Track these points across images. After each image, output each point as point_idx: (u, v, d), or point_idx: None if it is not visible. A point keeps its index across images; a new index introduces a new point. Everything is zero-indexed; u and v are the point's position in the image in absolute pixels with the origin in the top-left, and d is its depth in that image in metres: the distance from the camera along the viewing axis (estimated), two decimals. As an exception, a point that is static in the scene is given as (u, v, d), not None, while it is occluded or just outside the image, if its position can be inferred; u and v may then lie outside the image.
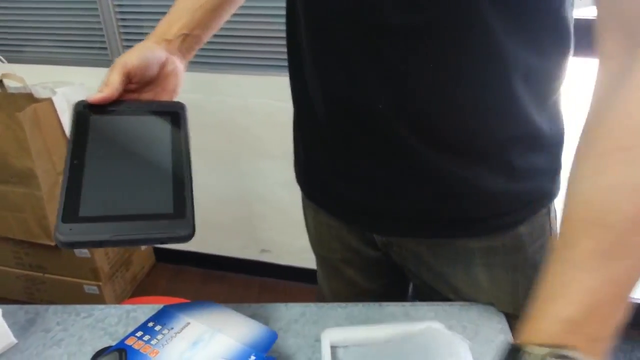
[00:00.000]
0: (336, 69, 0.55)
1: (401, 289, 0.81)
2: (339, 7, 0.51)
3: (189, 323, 0.55)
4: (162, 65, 0.60)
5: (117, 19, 1.67)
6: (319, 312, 0.65)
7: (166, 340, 0.52)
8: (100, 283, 1.79)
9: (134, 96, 0.59)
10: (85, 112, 0.54)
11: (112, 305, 0.68)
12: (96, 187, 0.48)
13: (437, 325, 0.59)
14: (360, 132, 0.57)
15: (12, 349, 0.62)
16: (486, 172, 0.57)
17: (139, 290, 1.96)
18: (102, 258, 1.77)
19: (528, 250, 0.62)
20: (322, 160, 0.65)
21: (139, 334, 0.53)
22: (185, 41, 0.63)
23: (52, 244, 1.73)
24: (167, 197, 0.48)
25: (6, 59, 1.74)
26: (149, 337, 0.53)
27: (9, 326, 0.62)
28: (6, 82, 1.68)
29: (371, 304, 0.66)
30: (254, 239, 1.95)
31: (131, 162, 0.51)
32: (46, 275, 1.85)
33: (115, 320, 0.65)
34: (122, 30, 1.69)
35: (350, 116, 0.57)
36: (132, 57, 0.56)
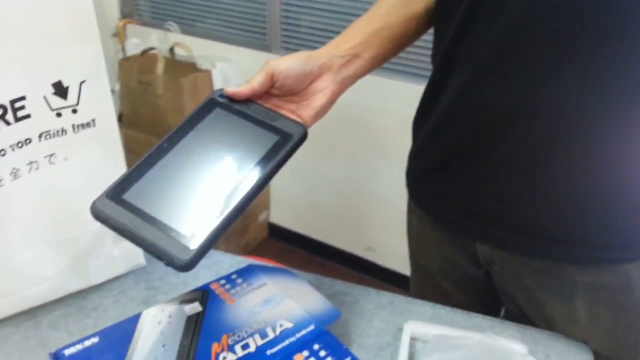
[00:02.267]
0: (517, 76, 0.55)
1: (493, 310, 0.81)
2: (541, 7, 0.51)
3: (265, 284, 0.61)
4: (313, 80, 0.56)
5: (281, 9, 1.80)
6: (407, 305, 0.69)
7: (243, 293, 0.60)
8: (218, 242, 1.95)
9: (274, 101, 0.57)
10: (215, 101, 0.55)
11: (227, 254, 0.77)
12: (155, 181, 0.48)
13: (521, 350, 0.59)
14: (501, 141, 0.58)
15: (139, 270, 0.73)
16: (617, 197, 0.56)
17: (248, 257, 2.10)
18: (222, 221, 1.93)
19: (636, 292, 0.61)
20: (442, 166, 0.67)
21: (222, 282, 0.61)
22: (351, 64, 0.59)
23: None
24: (196, 220, 0.46)
25: (181, 30, 1.96)
26: (230, 286, 0.61)
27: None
28: (177, 50, 1.89)
29: (459, 310, 0.68)
30: (362, 235, 2.00)
31: (202, 169, 0.50)
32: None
33: (227, 266, 0.73)
34: (283, 20, 1.82)
35: (498, 124, 0.58)
36: (282, 62, 0.54)
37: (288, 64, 0.54)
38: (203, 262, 0.74)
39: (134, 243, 0.45)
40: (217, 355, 0.52)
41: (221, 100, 0.55)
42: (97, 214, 0.46)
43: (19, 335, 0.62)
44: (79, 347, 0.53)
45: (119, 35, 2.18)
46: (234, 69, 1.89)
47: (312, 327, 0.56)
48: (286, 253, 2.18)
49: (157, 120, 1.77)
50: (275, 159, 0.50)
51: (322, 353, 0.53)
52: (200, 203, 0.47)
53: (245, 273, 0.63)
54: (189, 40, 1.94)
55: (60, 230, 0.63)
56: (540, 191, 0.59)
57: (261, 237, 2.21)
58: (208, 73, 1.81)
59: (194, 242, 0.44)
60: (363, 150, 1.85)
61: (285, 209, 2.16)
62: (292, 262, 2.15)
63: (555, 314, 0.66)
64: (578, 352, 0.63)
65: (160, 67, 1.73)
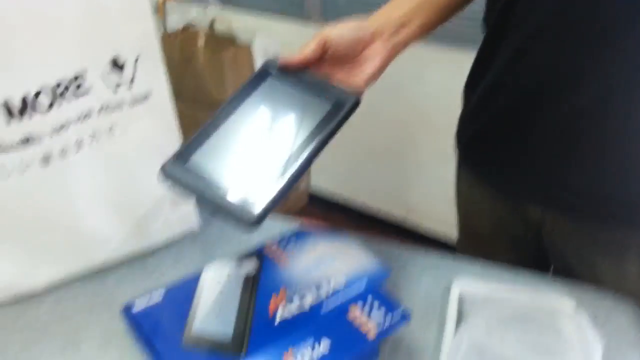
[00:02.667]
0: (576, 36, 0.54)
1: (542, 270, 0.82)
2: None
3: (317, 245, 0.64)
4: (365, 47, 0.57)
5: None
6: (454, 265, 0.70)
7: (295, 255, 0.63)
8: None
9: (327, 69, 0.57)
10: (268, 70, 0.56)
11: (277, 219, 0.79)
12: (217, 145, 0.51)
13: (570, 305, 0.60)
14: (557, 101, 0.59)
15: (194, 236, 0.76)
16: None
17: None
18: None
19: None
20: (495, 127, 0.68)
21: (275, 245, 0.65)
22: (401, 31, 0.59)
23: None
24: (258, 184, 0.48)
25: (220, 4, 1.98)
26: (283, 248, 0.64)
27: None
28: (216, 24, 1.91)
29: (507, 268, 0.69)
30: (401, 201, 2.02)
31: (261, 135, 0.52)
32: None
33: (277, 230, 0.76)
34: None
35: (554, 85, 0.58)
36: (334, 30, 0.55)
37: (340, 32, 0.55)
38: (272, 230, 0.78)
39: (201, 204, 0.49)
40: (276, 309, 0.55)
41: (274, 69, 0.56)
42: (167, 176, 0.50)
43: (88, 292, 0.67)
44: (147, 302, 0.57)
45: (159, 11, 2.21)
46: (274, 42, 1.90)
47: (364, 284, 0.58)
48: (326, 220, 2.20)
49: (199, 94, 1.81)
50: (329, 126, 0.52)
51: (375, 307, 0.55)
52: (260, 168, 0.50)
53: (297, 235, 0.66)
54: (228, 14, 1.96)
55: (121, 196, 0.67)
56: (595, 151, 0.59)
57: (300, 206, 2.24)
58: (248, 48, 1.83)
59: (258, 206, 0.47)
60: (403, 118, 1.85)
61: (326, 176, 2.18)
62: (337, 226, 2.16)
63: (605, 274, 0.67)
64: (625, 308, 0.63)
65: (201, 42, 1.76)
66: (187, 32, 1.86)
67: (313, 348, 0.51)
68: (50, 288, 0.67)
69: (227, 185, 0.48)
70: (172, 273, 0.70)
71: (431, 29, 0.63)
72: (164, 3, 2.24)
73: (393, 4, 0.62)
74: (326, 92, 0.55)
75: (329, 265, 0.61)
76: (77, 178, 0.62)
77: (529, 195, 0.68)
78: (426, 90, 1.73)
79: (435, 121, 1.76)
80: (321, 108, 0.53)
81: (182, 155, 0.51)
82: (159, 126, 0.66)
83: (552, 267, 0.81)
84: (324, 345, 0.51)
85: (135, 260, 0.72)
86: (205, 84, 1.79)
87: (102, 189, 0.65)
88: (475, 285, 0.64)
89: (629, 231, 0.62)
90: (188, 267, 0.71)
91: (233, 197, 0.47)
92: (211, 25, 1.89)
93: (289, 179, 0.49)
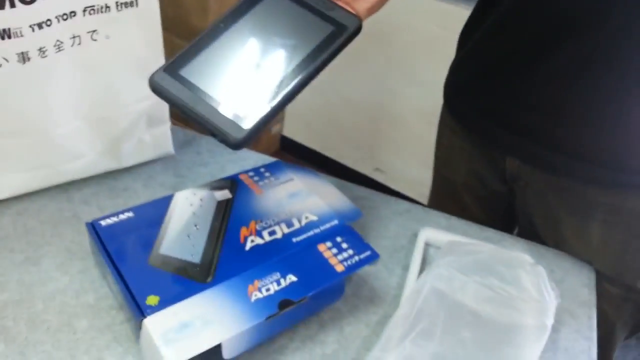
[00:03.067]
0: None
1: (506, 230, 0.84)
2: None
3: (292, 179, 0.64)
4: None
5: None
6: (423, 214, 0.71)
7: (270, 186, 0.62)
8: (229, 151, 1.98)
9: None
10: None
11: (252, 152, 0.78)
12: (211, 59, 0.49)
13: (529, 262, 0.62)
14: (554, 51, 0.58)
15: (167, 159, 0.75)
16: None
17: (258, 169, 2.13)
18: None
19: None
20: (486, 76, 0.67)
21: (251, 174, 0.64)
22: None
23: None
24: (250, 101, 0.46)
25: None
26: (258, 178, 0.63)
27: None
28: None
29: (473, 224, 0.71)
30: (374, 157, 2.02)
31: (257, 52, 0.50)
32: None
33: (252, 163, 0.75)
34: None
35: (555, 32, 0.57)
36: None
37: None
38: (228, 156, 0.77)
39: (188, 117, 0.46)
40: (246, 238, 0.55)
41: None
42: (155, 87, 0.47)
43: (52, 207, 0.65)
44: (114, 219, 0.56)
45: None
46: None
47: (335, 221, 0.59)
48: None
49: (179, 19, 1.74)
50: (328, 49, 0.50)
51: (345, 245, 0.56)
52: (254, 85, 0.48)
53: (273, 167, 0.65)
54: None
55: (98, 109, 0.64)
56: (581, 107, 0.60)
57: (273, 149, 2.23)
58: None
59: (248, 122, 0.45)
60: (385, 69, 1.83)
61: (300, 123, 2.17)
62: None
63: (567, 233, 0.69)
64: (582, 269, 0.66)
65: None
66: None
67: (279, 283, 0.51)
68: (14, 198, 0.65)
69: (217, 100, 0.46)
70: (141, 195, 0.69)
71: None
72: None
73: None
74: (329, 12, 0.52)
75: (302, 199, 0.61)
76: (55, 81, 0.59)
77: (507, 147, 0.69)
78: (414, 40, 1.70)
79: (419, 75, 1.74)
80: (323, 29, 0.51)
81: (173, 67, 0.48)
82: (143, 37, 0.64)
83: (516, 230, 0.84)
84: (290, 279, 0.52)
85: (105, 178, 0.70)
86: (185, 10, 1.72)
87: (78, 98, 0.62)
88: (441, 235, 0.65)
89: (598, 191, 0.64)
90: (158, 191, 0.70)
91: (222, 112, 0.46)
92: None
93: (281, 99, 0.47)
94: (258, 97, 0.47)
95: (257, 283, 0.51)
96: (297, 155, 2.22)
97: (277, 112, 0.47)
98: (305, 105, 2.07)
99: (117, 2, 0.59)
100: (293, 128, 2.19)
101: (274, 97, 0.47)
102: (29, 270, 0.57)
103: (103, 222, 0.56)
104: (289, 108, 2.12)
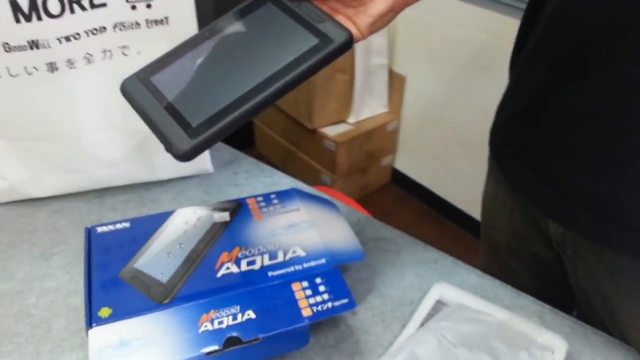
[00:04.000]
0: None
1: (565, 301, 0.71)
2: None
3: (298, 209, 0.60)
4: None
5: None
6: (451, 267, 0.63)
7: (273, 213, 0.59)
8: (335, 176, 1.98)
9: (333, 4, 0.51)
10: None
11: (289, 177, 0.76)
12: (183, 67, 0.47)
13: (561, 347, 0.51)
14: (591, 79, 0.48)
15: (204, 175, 0.76)
16: None
17: (364, 198, 2.10)
18: (344, 156, 1.94)
19: None
20: (522, 114, 0.58)
21: (260, 199, 0.61)
22: None
23: (311, 127, 1.95)
24: (206, 113, 0.44)
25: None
26: (264, 204, 0.60)
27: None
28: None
29: (509, 287, 0.61)
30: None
31: (231, 63, 0.47)
32: (299, 152, 2.12)
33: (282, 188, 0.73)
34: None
35: (591, 55, 0.48)
36: None
37: None
38: (263, 180, 0.76)
39: (145, 123, 0.45)
40: (222, 265, 0.53)
41: None
42: (123, 91, 0.47)
43: (84, 210, 0.69)
44: (110, 227, 0.57)
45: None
46: None
47: (323, 260, 0.54)
48: (404, 201, 2.13)
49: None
50: (305, 63, 0.46)
51: (322, 288, 0.51)
52: (216, 96, 0.45)
53: (284, 195, 0.62)
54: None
55: (128, 120, 0.66)
56: (627, 157, 0.48)
57: (382, 181, 2.18)
58: None
59: (196, 135, 0.43)
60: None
61: (411, 157, 2.09)
62: (408, 211, 2.11)
63: (623, 317, 0.56)
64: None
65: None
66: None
67: (235, 317, 0.48)
68: (56, 198, 0.70)
69: (175, 109, 0.44)
70: (167, 208, 0.69)
71: None
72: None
73: None
74: (319, 25, 0.48)
75: (299, 232, 0.57)
76: (84, 91, 0.62)
77: (546, 207, 0.58)
78: (463, 50, 1.57)
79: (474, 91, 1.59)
80: (306, 42, 0.47)
81: (145, 73, 0.47)
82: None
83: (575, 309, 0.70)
84: (248, 315, 0.48)
85: (139, 188, 0.73)
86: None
87: (109, 109, 0.65)
88: (456, 294, 0.56)
89: None
90: (183, 205, 0.70)
91: (175, 122, 0.43)
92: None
93: (238, 114, 0.43)
94: (216, 109, 0.44)
95: (212, 313, 0.48)
96: (406, 189, 2.15)
97: (232, 127, 0.44)
98: (419, 138, 2.00)
99: (147, 20, 0.61)
100: (405, 161, 2.12)
101: (231, 111, 0.43)
102: (39, 264, 0.61)
103: (99, 229, 0.57)
104: (402, 140, 2.07)
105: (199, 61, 0.48)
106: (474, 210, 1.90)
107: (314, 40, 0.47)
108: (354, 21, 0.50)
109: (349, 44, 0.48)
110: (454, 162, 1.91)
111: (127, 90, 0.47)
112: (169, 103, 0.45)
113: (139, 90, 0.46)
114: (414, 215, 2.07)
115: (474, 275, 0.62)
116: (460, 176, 1.91)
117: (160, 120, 0.44)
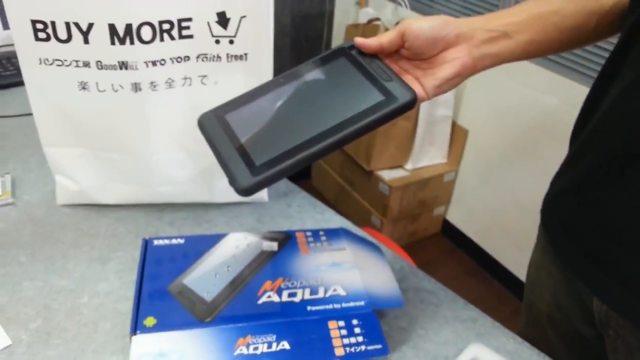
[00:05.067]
0: None
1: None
2: None
3: (344, 249, 0.61)
4: (446, 47, 0.51)
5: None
6: (490, 328, 0.62)
7: (319, 250, 0.61)
8: (385, 220, 1.97)
9: (403, 63, 0.53)
10: (344, 49, 0.54)
11: (339, 216, 0.78)
12: (256, 109, 0.51)
13: None
14: None
15: (259, 204, 0.79)
16: None
17: (411, 245, 2.09)
18: (397, 201, 1.94)
19: None
20: (577, 189, 0.57)
21: (309, 233, 0.63)
22: (497, 41, 0.52)
23: (368, 169, 1.97)
24: (270, 154, 0.47)
25: (410, 6, 1.97)
26: (312, 239, 0.62)
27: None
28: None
29: (547, 358, 0.59)
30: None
31: (300, 110, 0.51)
32: (353, 191, 2.13)
33: (331, 225, 0.75)
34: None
35: None
36: (416, 22, 0.51)
37: (421, 25, 0.50)
38: (314, 215, 0.78)
39: (214, 155, 0.49)
40: (264, 292, 0.55)
41: (350, 50, 0.54)
42: (200, 124, 0.51)
43: (143, 221, 0.73)
44: (166, 241, 0.61)
45: (361, 3, 2.29)
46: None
47: (362, 302, 0.55)
48: (452, 253, 2.10)
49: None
50: (368, 118, 0.49)
51: (357, 330, 0.52)
52: (282, 139, 0.48)
53: (332, 233, 0.64)
54: (415, 16, 1.95)
55: (197, 144, 0.70)
56: None
57: (432, 231, 2.16)
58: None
59: (258, 173, 0.46)
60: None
61: (464, 211, 2.07)
62: (455, 264, 2.07)
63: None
64: None
65: (379, 38, 1.78)
66: (371, 26, 1.89)
67: (270, 346, 0.49)
68: (119, 206, 0.74)
69: (243, 147, 0.48)
70: (220, 230, 0.73)
71: (542, 51, 0.54)
72: (367, -5, 2.31)
73: (502, 12, 0.54)
74: (386, 83, 0.51)
75: (341, 271, 0.59)
76: (161, 113, 0.67)
77: (593, 284, 0.56)
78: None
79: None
80: (371, 98, 0.50)
81: (221, 110, 0.52)
82: (250, 87, 0.69)
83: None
84: (282, 345, 0.49)
85: (197, 208, 0.76)
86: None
87: (181, 131, 0.69)
88: (492, 355, 0.56)
89: None
90: (235, 230, 0.73)
91: (240, 158, 0.47)
92: (396, 24, 1.89)
93: (299, 159, 0.47)
94: (280, 151, 0.47)
95: (249, 338, 0.50)
96: (455, 242, 2.12)
97: (292, 169, 0.47)
98: (474, 193, 1.97)
99: (227, 54, 0.66)
100: (457, 214, 2.10)
101: (293, 155, 0.47)
102: (95, 267, 0.65)
103: (155, 242, 0.61)
104: (457, 192, 2.05)
105: (271, 105, 0.52)
106: (523, 273, 1.85)
107: (379, 97, 0.50)
108: (422, 82, 0.52)
109: (412, 104, 0.50)
110: (507, 222, 1.87)
111: (204, 124, 0.51)
112: (238, 141, 0.49)
113: (214, 126, 0.51)
114: (460, 269, 2.03)
115: (512, 341, 0.61)
116: (512, 236, 1.86)
117: (228, 155, 0.48)
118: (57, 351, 0.54)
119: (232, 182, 0.46)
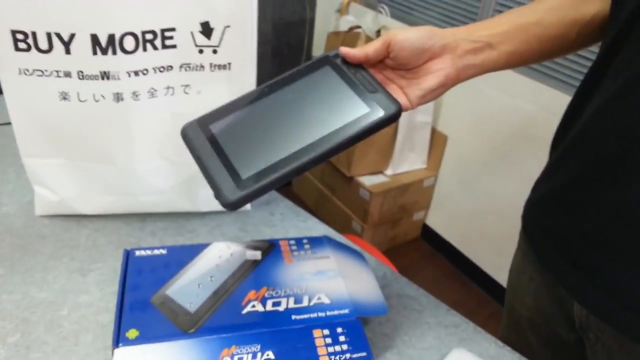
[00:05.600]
0: None
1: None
2: None
3: (328, 257, 0.61)
4: (431, 58, 0.52)
5: (496, 3, 1.72)
6: (472, 334, 0.63)
7: (303, 258, 0.61)
8: (366, 225, 1.98)
9: (388, 73, 0.54)
10: (328, 59, 0.54)
11: (322, 224, 0.78)
12: (241, 119, 0.50)
13: None
14: (627, 177, 0.49)
15: (241, 212, 0.79)
16: None
17: (391, 249, 2.10)
18: (377, 207, 1.95)
19: None
20: (558, 196, 0.59)
21: (292, 242, 0.63)
22: (480, 52, 0.53)
23: (348, 175, 1.98)
24: (256, 167, 0.47)
25: (391, 14, 1.99)
26: (296, 248, 0.62)
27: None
28: (383, 32, 1.93)
29: (528, 363, 0.60)
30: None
31: (285, 121, 0.50)
32: (333, 197, 2.14)
33: (315, 233, 0.75)
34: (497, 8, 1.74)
35: (630, 153, 0.49)
36: (401, 33, 0.51)
37: (406, 36, 0.51)
38: (297, 223, 0.78)
39: (199, 168, 0.48)
40: (249, 302, 0.55)
41: (335, 59, 0.54)
42: (183, 134, 0.51)
43: (124, 232, 0.73)
44: (148, 252, 0.60)
45: (342, 11, 2.30)
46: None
47: (346, 310, 0.55)
48: (432, 258, 2.12)
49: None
50: (354, 130, 0.49)
51: (342, 338, 0.52)
52: (267, 152, 0.48)
53: (315, 241, 0.64)
54: (396, 25, 1.97)
55: (179, 153, 0.71)
56: None
57: (412, 235, 2.18)
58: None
59: (244, 187, 0.46)
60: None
61: (443, 216, 2.09)
62: (434, 268, 2.09)
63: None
64: None
65: (359, 44, 1.79)
66: (352, 34, 1.90)
67: (255, 356, 0.49)
68: (98, 216, 0.74)
69: (228, 159, 0.47)
70: (202, 240, 0.73)
71: (524, 61, 0.55)
72: (347, 4, 2.33)
73: (485, 22, 0.55)
74: (372, 93, 0.51)
75: (326, 279, 0.59)
76: (143, 122, 0.66)
77: (573, 289, 0.58)
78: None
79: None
80: (357, 109, 0.50)
81: (205, 120, 0.51)
82: (233, 96, 0.69)
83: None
84: (267, 355, 0.49)
85: (178, 217, 0.76)
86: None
87: (163, 141, 0.69)
88: (475, 362, 0.56)
89: None
90: (218, 239, 0.73)
91: (226, 171, 0.47)
92: (378, 32, 1.91)
93: (286, 172, 0.46)
94: (266, 165, 0.47)
95: (233, 349, 0.50)
96: (434, 246, 2.14)
97: (280, 182, 0.46)
98: (454, 198, 2.00)
99: (211, 64, 0.66)
100: (437, 219, 2.12)
101: (280, 168, 0.46)
102: (76, 279, 0.64)
103: (137, 252, 0.60)
104: (436, 198, 2.07)
105: (256, 116, 0.51)
106: (502, 277, 1.88)
107: (365, 109, 0.50)
108: (406, 92, 0.53)
109: (397, 116, 0.50)
110: (486, 227, 1.90)
111: (187, 134, 0.50)
112: (223, 152, 0.48)
113: (197, 136, 0.50)
114: (440, 273, 2.05)
115: (494, 345, 0.62)
116: (491, 241, 1.89)
117: (213, 168, 0.47)
118: (37, 365, 0.54)
119: (218, 195, 0.46)
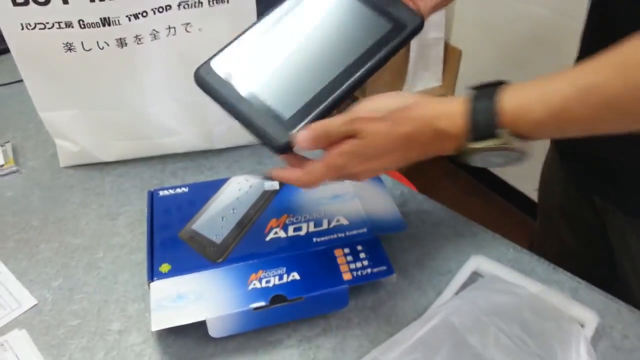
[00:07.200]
0: None
1: (611, 269, 0.72)
2: None
3: (344, 181, 0.62)
4: None
5: None
6: (490, 241, 0.64)
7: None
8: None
9: None
10: None
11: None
12: (258, 55, 0.47)
13: (589, 317, 0.52)
14: None
15: (257, 146, 0.79)
16: None
17: (410, 170, 2.11)
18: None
19: None
20: None
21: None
22: None
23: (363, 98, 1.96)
24: (296, 104, 0.44)
25: None
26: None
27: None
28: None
29: (546, 262, 0.62)
30: (534, 176, 1.85)
31: (309, 50, 0.47)
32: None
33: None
34: None
35: None
36: None
37: None
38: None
39: (232, 116, 0.46)
40: (271, 229, 0.57)
41: None
42: (199, 81, 0.47)
43: (146, 175, 0.75)
44: (171, 191, 0.63)
45: None
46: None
47: (364, 229, 0.57)
48: (454, 175, 2.13)
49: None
50: (383, 50, 0.46)
51: (362, 255, 0.54)
52: (302, 87, 0.46)
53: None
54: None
55: (189, 93, 0.71)
56: None
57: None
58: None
59: (292, 127, 0.44)
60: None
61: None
62: (455, 186, 2.10)
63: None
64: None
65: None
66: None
67: (281, 278, 0.52)
68: (120, 162, 0.76)
69: (261, 101, 0.45)
70: (222, 175, 0.74)
71: None
72: None
73: None
74: (391, 9, 0.48)
75: (343, 202, 0.61)
76: (149, 65, 0.67)
77: (589, 180, 0.62)
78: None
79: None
80: (380, 27, 0.48)
81: (219, 61, 0.48)
82: (235, 31, 0.69)
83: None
84: (293, 276, 0.52)
85: (197, 156, 0.78)
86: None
87: (172, 82, 0.70)
88: (492, 267, 0.59)
89: None
90: (237, 173, 0.75)
91: (266, 114, 0.44)
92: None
93: (328, 103, 0.44)
94: (306, 99, 0.45)
95: (260, 273, 0.52)
96: (455, 163, 2.14)
97: (324, 115, 0.45)
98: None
99: (209, -2, 0.65)
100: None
101: (321, 101, 0.44)
102: (106, 223, 0.67)
103: (160, 193, 0.63)
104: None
105: (275, 49, 0.48)
106: (524, 185, 1.88)
107: (387, 26, 0.47)
108: (416, 2, 0.51)
109: (420, 27, 0.48)
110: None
111: (204, 80, 0.47)
112: (254, 94, 0.45)
113: (217, 80, 0.46)
114: (462, 190, 2.06)
115: (512, 250, 0.64)
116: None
117: (249, 113, 0.44)
118: (81, 305, 0.57)
119: (267, 141, 0.44)
